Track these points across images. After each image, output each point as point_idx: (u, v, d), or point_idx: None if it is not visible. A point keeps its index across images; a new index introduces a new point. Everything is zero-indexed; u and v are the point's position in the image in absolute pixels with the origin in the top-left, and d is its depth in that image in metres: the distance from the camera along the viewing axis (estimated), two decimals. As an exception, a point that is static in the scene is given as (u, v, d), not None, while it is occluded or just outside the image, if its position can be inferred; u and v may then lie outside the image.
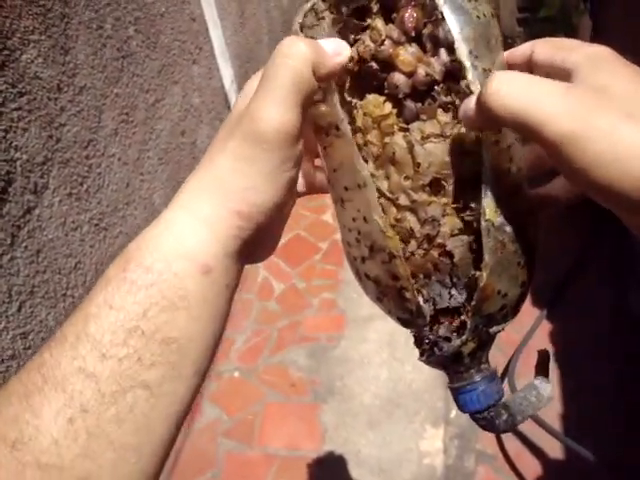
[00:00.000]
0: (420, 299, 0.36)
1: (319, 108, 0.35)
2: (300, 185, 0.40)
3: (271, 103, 0.30)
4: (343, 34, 0.36)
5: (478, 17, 0.34)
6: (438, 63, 0.35)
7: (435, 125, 0.35)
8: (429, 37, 0.35)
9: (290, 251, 2.21)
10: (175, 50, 1.99)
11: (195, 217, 0.31)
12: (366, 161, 0.36)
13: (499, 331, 0.37)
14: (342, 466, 1.57)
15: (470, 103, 0.32)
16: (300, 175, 0.39)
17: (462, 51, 0.33)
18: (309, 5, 0.36)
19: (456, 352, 0.36)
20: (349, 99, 0.37)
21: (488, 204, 0.33)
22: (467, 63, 0.33)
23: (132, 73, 1.66)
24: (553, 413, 1.55)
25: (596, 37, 1.93)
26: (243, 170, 0.31)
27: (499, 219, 0.33)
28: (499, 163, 0.34)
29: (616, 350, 1.65)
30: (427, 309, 0.36)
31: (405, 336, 1.89)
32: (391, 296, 0.36)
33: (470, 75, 0.33)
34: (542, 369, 0.38)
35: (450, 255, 0.36)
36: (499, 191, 0.33)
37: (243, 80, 2.63)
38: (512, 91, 0.29)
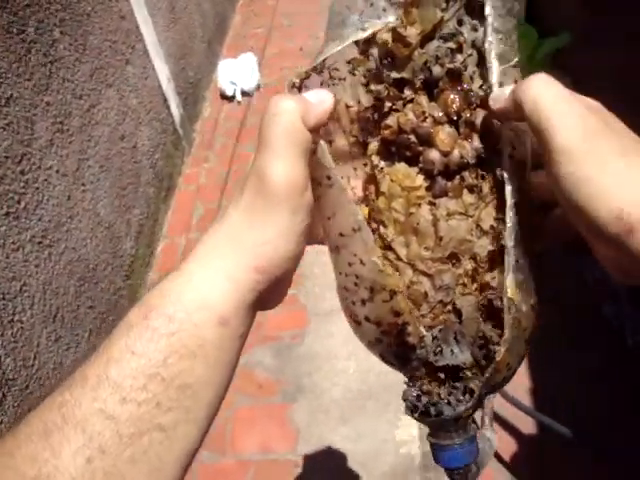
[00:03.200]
0: (423, 331, 0.37)
1: (310, 160, 0.36)
2: None
3: (272, 158, 0.32)
4: (376, 101, 0.39)
5: None
6: (471, 148, 0.37)
7: (460, 204, 0.38)
8: (465, 122, 0.37)
9: None
10: (106, 51, 1.90)
11: (214, 271, 0.32)
12: (385, 226, 0.38)
13: (489, 398, 0.38)
14: (319, 464, 1.55)
15: (504, 91, 0.34)
16: None
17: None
18: (303, 70, 0.38)
19: (457, 417, 0.37)
20: (376, 163, 0.39)
21: (510, 283, 0.34)
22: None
23: (62, 79, 1.57)
24: (524, 391, 1.57)
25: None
26: (257, 225, 0.33)
27: (518, 298, 0.35)
28: (523, 247, 0.35)
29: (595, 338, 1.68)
30: (430, 343, 0.37)
31: (369, 326, 1.88)
32: (392, 334, 0.37)
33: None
34: (488, 419, 0.41)
35: (458, 313, 0.37)
36: (522, 270, 0.35)
37: (180, 77, 2.55)
38: (545, 92, 0.31)
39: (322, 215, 0.38)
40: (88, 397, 0.29)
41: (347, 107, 0.40)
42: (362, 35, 0.37)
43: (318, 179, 0.37)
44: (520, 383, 1.59)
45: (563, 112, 0.31)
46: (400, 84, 0.38)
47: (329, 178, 0.36)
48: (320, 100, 0.36)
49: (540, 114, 0.31)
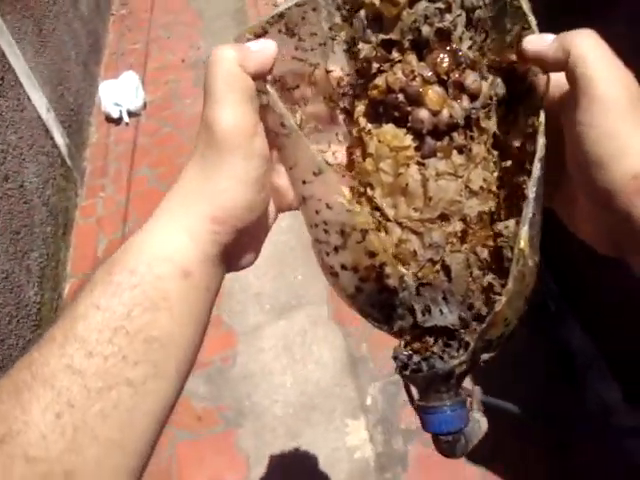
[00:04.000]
0: (403, 270, 0.36)
1: (263, 111, 0.36)
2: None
3: (215, 106, 0.33)
4: (365, 61, 0.38)
5: None
6: (460, 108, 0.37)
7: (449, 164, 0.37)
8: (454, 83, 0.37)
9: None
10: (-25, 88, 1.74)
11: (173, 225, 0.33)
12: (373, 188, 0.38)
13: (485, 360, 0.37)
14: (275, 489, 1.51)
15: (543, 37, 0.34)
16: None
17: None
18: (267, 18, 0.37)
19: (449, 372, 0.35)
20: (363, 124, 0.39)
21: (525, 234, 0.34)
22: None
23: None
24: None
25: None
26: (211, 176, 0.33)
27: (528, 251, 0.34)
28: (540, 203, 0.35)
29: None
30: (411, 283, 0.36)
31: (300, 336, 1.86)
32: (372, 277, 0.36)
33: None
34: (477, 404, 0.40)
35: (447, 271, 0.37)
36: (535, 225, 0.34)
37: (59, 105, 2.40)
38: (597, 46, 0.32)
39: (286, 167, 0.37)
40: (56, 354, 0.29)
41: (327, 72, 0.40)
42: None
43: (274, 129, 0.36)
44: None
45: (613, 67, 0.31)
46: (388, 46, 0.38)
47: (283, 125, 0.35)
48: (261, 47, 0.35)
49: (590, 62, 0.31)
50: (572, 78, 0.32)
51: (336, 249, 0.36)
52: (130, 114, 2.74)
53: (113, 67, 3.09)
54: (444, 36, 0.37)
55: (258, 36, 0.37)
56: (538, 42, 0.34)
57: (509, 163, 0.38)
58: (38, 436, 0.28)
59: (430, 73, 0.37)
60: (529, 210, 0.34)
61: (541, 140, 0.34)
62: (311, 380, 1.72)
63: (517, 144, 0.38)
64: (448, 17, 0.37)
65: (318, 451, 1.57)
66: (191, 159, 0.34)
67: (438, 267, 0.37)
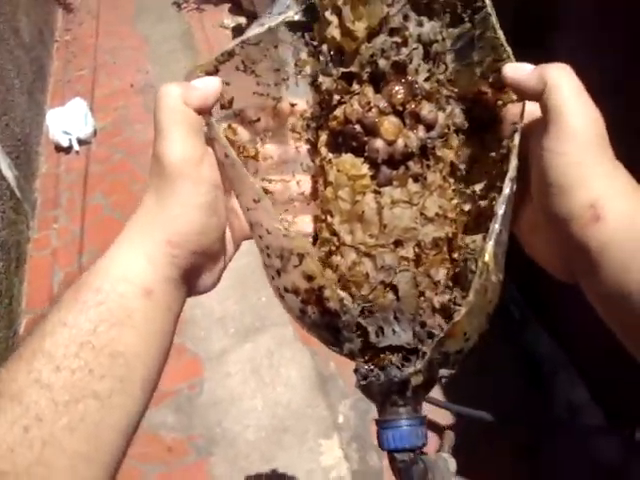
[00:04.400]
0: (342, 294, 0.37)
1: (211, 143, 0.38)
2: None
3: (162, 140, 0.35)
4: (327, 94, 0.40)
5: None
6: (416, 137, 0.39)
7: (405, 192, 0.39)
8: (410, 113, 0.39)
9: None
10: None
11: (133, 250, 0.35)
12: (332, 215, 0.39)
13: (443, 377, 0.37)
14: (252, 515, 1.49)
15: (523, 66, 0.36)
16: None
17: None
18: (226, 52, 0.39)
19: (404, 380, 0.36)
20: (324, 154, 0.41)
21: (490, 248, 0.35)
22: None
23: None
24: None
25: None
26: (164, 204, 0.35)
27: (493, 266, 0.35)
28: (507, 223, 0.36)
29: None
30: (351, 306, 0.37)
31: (267, 358, 1.84)
32: (312, 300, 0.37)
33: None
34: (448, 447, 0.40)
35: (394, 289, 0.38)
36: (501, 243, 0.35)
37: (5, 136, 2.33)
38: (571, 80, 0.34)
39: (236, 196, 0.39)
40: (23, 370, 0.30)
41: (291, 105, 0.42)
42: (259, 30, 0.39)
43: (220, 160, 0.38)
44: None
45: (583, 102, 0.34)
46: (349, 79, 0.40)
47: (227, 156, 0.37)
48: (204, 85, 0.37)
49: (563, 95, 0.33)
50: (545, 107, 0.34)
51: (278, 272, 0.38)
52: (80, 142, 2.69)
53: (60, 95, 3.03)
54: (400, 69, 0.39)
55: (209, 73, 0.39)
56: (518, 71, 0.36)
57: (477, 187, 0.39)
58: (5, 450, 0.28)
59: (386, 104, 0.39)
60: (496, 226, 0.35)
61: (514, 162, 0.36)
62: (281, 402, 1.70)
63: (485, 169, 0.39)
64: (404, 50, 0.39)
65: (294, 474, 1.56)
66: (147, 191, 0.36)
67: (386, 286, 0.38)
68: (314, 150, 0.43)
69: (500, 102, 0.39)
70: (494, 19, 0.37)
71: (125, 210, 2.36)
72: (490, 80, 0.38)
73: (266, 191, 0.40)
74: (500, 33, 0.37)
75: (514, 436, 1.52)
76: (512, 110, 0.38)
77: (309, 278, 0.36)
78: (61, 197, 2.51)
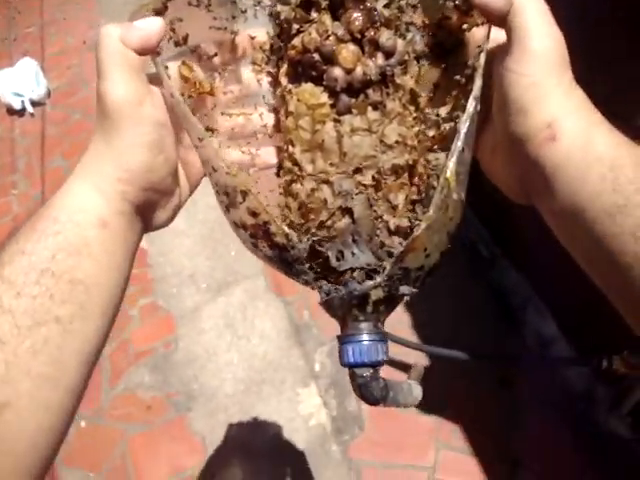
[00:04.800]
0: (285, 228, 0.37)
1: (158, 83, 0.38)
2: None
3: (104, 81, 0.36)
4: (286, 23, 0.40)
5: None
6: (375, 65, 0.38)
7: (364, 120, 0.39)
8: (369, 41, 0.38)
9: None
10: None
11: (87, 185, 0.36)
12: (293, 145, 0.40)
13: (405, 294, 0.37)
14: (235, 466, 1.51)
15: None
16: None
17: None
18: None
19: (364, 294, 0.36)
20: (285, 84, 0.41)
21: (452, 165, 0.35)
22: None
23: None
24: (409, 327, 1.64)
25: None
26: (110, 142, 0.36)
27: (454, 183, 0.35)
28: (469, 142, 0.36)
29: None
30: (297, 240, 0.37)
31: (241, 311, 1.84)
32: (260, 235, 0.37)
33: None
34: (416, 377, 0.43)
35: (350, 213, 0.38)
36: (464, 162, 0.36)
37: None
38: (536, 3, 0.34)
39: (186, 131, 0.39)
40: None
41: (251, 38, 0.42)
42: None
43: (167, 100, 0.38)
44: (399, 320, 1.66)
45: (547, 23, 0.34)
46: (308, 7, 0.39)
47: (172, 96, 0.37)
48: (146, 25, 0.37)
49: (528, 16, 0.34)
50: (509, 28, 0.35)
51: (227, 208, 0.38)
52: (34, 104, 2.59)
53: (6, 54, 2.90)
54: None
55: (157, 12, 0.38)
56: None
57: (442, 110, 0.39)
58: None
59: (344, 32, 0.38)
60: (459, 144, 0.35)
61: (478, 81, 0.36)
62: (257, 354, 1.71)
63: (450, 93, 0.39)
64: None
65: (274, 424, 1.58)
66: (95, 131, 0.37)
67: (341, 210, 0.38)
68: (275, 82, 0.43)
69: (465, 26, 0.38)
70: None
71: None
72: (456, 3, 0.37)
73: (229, 128, 0.41)
74: None
75: (490, 370, 1.56)
76: (477, 34, 0.38)
77: (254, 214, 0.37)
78: (18, 162, 2.43)
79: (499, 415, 1.51)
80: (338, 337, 0.38)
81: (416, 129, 0.40)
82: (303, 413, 1.58)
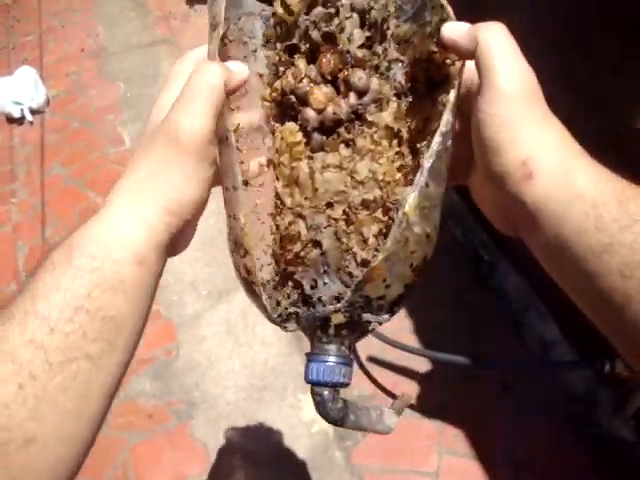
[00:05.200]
0: (264, 299, 0.39)
1: (219, 120, 0.39)
2: None
3: (190, 112, 0.36)
4: (275, 65, 0.43)
5: None
6: (346, 105, 0.41)
7: (336, 157, 0.41)
8: (343, 81, 0.41)
9: None
10: None
11: (130, 215, 0.36)
12: (278, 179, 0.42)
13: (370, 322, 0.38)
14: (238, 473, 1.51)
15: (460, 25, 0.37)
16: None
17: None
18: (220, 33, 0.39)
19: (325, 317, 0.38)
20: (272, 123, 0.43)
21: (412, 200, 0.36)
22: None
23: None
24: (409, 332, 1.64)
25: None
26: (167, 172, 0.36)
27: (414, 218, 0.36)
28: (437, 177, 0.37)
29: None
30: (270, 309, 0.39)
31: (242, 318, 1.83)
32: (247, 289, 0.41)
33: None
34: (398, 406, 0.43)
35: (319, 245, 0.40)
36: (430, 197, 0.36)
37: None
38: (502, 38, 0.35)
39: (220, 169, 0.41)
40: (16, 331, 0.31)
41: (260, 76, 0.44)
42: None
43: (221, 138, 0.39)
44: (400, 326, 1.66)
45: (514, 60, 0.34)
46: (292, 51, 0.42)
47: (227, 139, 0.39)
48: (239, 71, 0.40)
49: (494, 54, 0.34)
50: (478, 67, 0.35)
51: (231, 251, 0.41)
52: (33, 112, 2.58)
53: (5, 63, 2.89)
54: (331, 39, 0.40)
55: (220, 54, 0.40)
56: (454, 30, 0.37)
57: (421, 144, 0.40)
58: (1, 405, 0.29)
59: (316, 74, 0.41)
60: (422, 179, 0.36)
61: (446, 117, 0.36)
62: (259, 361, 1.71)
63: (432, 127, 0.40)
64: (336, 21, 0.40)
65: (276, 430, 1.57)
66: (144, 152, 0.38)
67: (312, 243, 0.40)
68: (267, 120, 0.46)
69: (448, 61, 0.39)
70: None
71: (86, 179, 2.30)
72: (435, 39, 0.39)
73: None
74: None
75: (492, 374, 1.56)
76: (467, 70, 0.39)
77: (247, 272, 0.39)
78: (18, 170, 2.42)
79: (502, 419, 1.51)
80: (306, 354, 0.40)
81: (398, 163, 0.41)
82: (305, 419, 1.58)
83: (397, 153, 0.42)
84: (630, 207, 0.31)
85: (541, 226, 0.33)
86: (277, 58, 0.43)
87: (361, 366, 1.70)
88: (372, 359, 1.63)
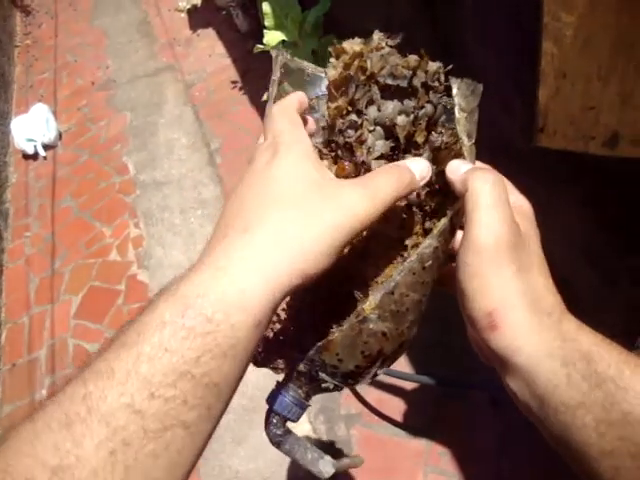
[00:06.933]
0: None
1: None
2: None
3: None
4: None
5: None
6: None
7: None
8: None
9: (90, 308, 2.05)
10: None
11: (254, 273, 0.32)
12: None
13: (324, 381, 0.42)
14: (224, 497, 1.52)
15: (460, 167, 0.39)
16: None
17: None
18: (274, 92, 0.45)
19: (287, 374, 0.43)
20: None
21: (371, 301, 0.38)
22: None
23: None
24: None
25: None
26: (302, 235, 0.34)
27: (371, 316, 0.38)
28: (410, 287, 0.39)
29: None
30: None
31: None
32: None
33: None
34: (343, 464, 0.46)
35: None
36: (390, 300, 0.39)
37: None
38: (487, 192, 0.36)
39: None
40: (115, 391, 0.29)
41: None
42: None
43: None
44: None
45: (492, 216, 0.35)
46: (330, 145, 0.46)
47: None
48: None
49: (475, 206, 0.36)
50: (466, 212, 0.37)
51: None
52: (46, 147, 2.70)
53: (24, 101, 3.04)
54: (349, 148, 0.44)
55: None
56: (454, 170, 0.39)
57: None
58: (90, 472, 0.28)
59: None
60: (387, 287, 0.38)
61: (427, 241, 0.38)
62: (249, 382, 1.72)
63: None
64: (355, 133, 0.44)
65: (266, 452, 1.58)
66: (269, 206, 0.35)
67: None
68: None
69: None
70: (457, 112, 0.41)
71: (93, 210, 2.38)
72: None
73: None
74: (460, 122, 0.41)
75: (479, 396, 1.52)
76: None
77: None
78: (32, 204, 2.53)
79: (490, 436, 1.47)
80: (276, 382, 0.44)
81: (400, 260, 0.45)
82: (293, 440, 1.58)
83: (400, 255, 0.45)
84: (598, 366, 0.32)
85: (513, 374, 0.35)
86: (317, 149, 0.46)
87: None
88: (359, 377, 1.62)
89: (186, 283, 0.32)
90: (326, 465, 0.43)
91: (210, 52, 2.97)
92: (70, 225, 2.38)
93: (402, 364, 1.58)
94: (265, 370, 1.48)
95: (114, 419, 0.29)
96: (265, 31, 2.10)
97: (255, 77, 2.69)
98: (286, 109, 0.40)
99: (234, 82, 2.74)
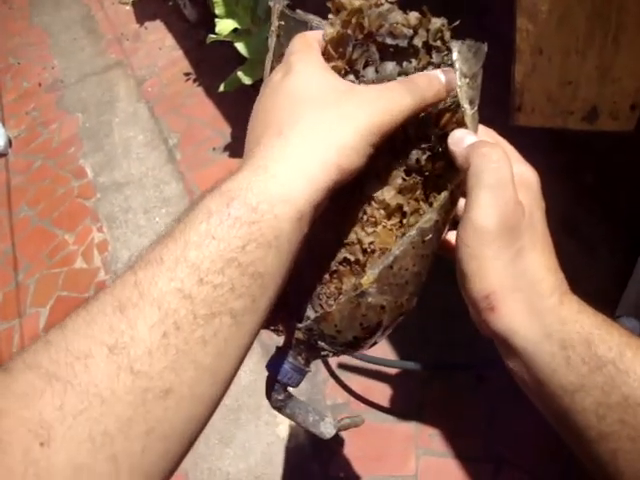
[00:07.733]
0: None
1: None
2: None
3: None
4: None
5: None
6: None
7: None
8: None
9: (59, 319, 1.94)
10: None
11: (297, 168, 0.33)
12: None
13: (324, 349, 0.43)
14: (216, 500, 1.50)
15: (464, 138, 0.38)
16: None
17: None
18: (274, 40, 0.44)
19: (295, 329, 0.43)
20: None
21: (369, 275, 0.38)
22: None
23: None
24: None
25: None
26: (342, 127, 0.34)
27: (370, 290, 0.39)
28: (411, 257, 0.39)
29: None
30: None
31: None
32: None
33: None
34: (344, 423, 0.47)
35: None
36: (388, 274, 0.38)
37: None
38: (492, 170, 0.35)
39: None
40: (165, 277, 0.30)
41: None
42: None
43: None
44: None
45: (495, 195, 0.34)
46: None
47: None
48: None
49: (477, 184, 0.35)
50: (466, 189, 0.36)
51: None
52: (-4, 156, 2.60)
53: (-33, 109, 2.90)
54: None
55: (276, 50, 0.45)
56: (458, 141, 0.38)
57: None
58: (144, 351, 0.28)
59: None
60: (386, 261, 0.38)
61: (428, 215, 0.38)
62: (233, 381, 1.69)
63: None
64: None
65: (254, 450, 1.56)
66: (306, 104, 0.36)
67: None
68: None
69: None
70: (458, 79, 0.39)
71: (53, 217, 2.30)
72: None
73: None
74: (461, 88, 0.39)
75: (465, 374, 1.52)
76: None
77: None
78: (-13, 217, 2.43)
79: (479, 413, 1.48)
80: (276, 347, 0.45)
81: (399, 232, 0.43)
82: (282, 436, 1.56)
83: (399, 228, 0.43)
84: (599, 349, 0.32)
85: (511, 355, 0.35)
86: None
87: (332, 374, 1.69)
88: (343, 366, 1.61)
89: (228, 182, 0.33)
90: (327, 426, 0.45)
91: (160, 45, 2.88)
92: (30, 235, 2.29)
93: (385, 351, 1.58)
94: (248, 368, 1.46)
95: (165, 302, 0.29)
96: (216, 20, 2.04)
97: (209, 67, 2.62)
98: (306, 36, 0.40)
99: (187, 74, 2.67)
